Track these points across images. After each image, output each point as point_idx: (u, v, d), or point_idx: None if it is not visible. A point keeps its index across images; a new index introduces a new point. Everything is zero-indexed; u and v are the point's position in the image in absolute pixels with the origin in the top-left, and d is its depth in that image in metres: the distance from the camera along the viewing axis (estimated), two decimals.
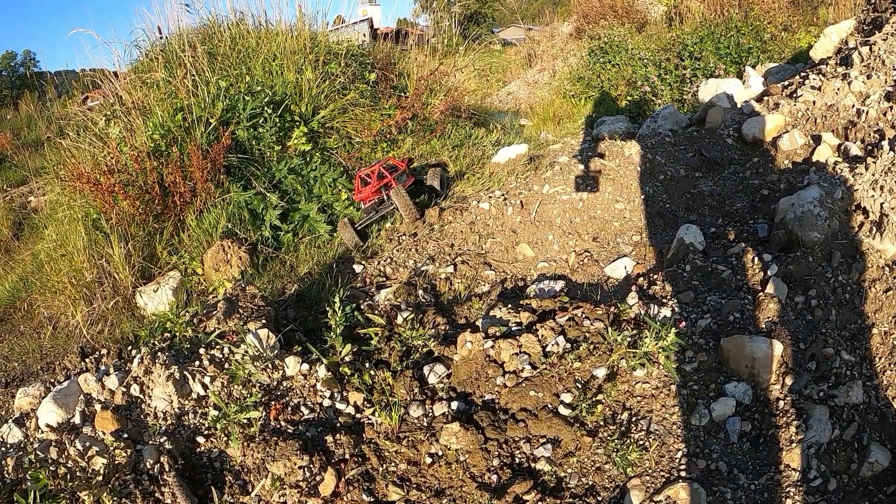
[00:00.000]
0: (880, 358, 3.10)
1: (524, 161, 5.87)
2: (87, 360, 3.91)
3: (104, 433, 3.19)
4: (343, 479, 3.03)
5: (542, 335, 3.38)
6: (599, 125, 8.02)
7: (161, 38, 7.36)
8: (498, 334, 3.46)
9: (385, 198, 5.49)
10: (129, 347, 3.92)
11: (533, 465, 2.96)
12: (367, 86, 7.29)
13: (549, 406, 3.11)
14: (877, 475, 2.67)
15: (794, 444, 2.79)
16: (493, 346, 3.39)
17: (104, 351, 3.92)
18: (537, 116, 10.36)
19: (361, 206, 5.61)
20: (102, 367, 3.61)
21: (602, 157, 5.25)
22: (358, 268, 4.85)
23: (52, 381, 3.66)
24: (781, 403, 2.97)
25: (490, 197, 5.17)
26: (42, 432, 3.24)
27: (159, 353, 3.44)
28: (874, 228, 3.64)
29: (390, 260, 4.86)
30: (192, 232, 5.16)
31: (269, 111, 5.98)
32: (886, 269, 3.44)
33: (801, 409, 2.91)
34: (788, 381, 3.03)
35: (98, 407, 3.30)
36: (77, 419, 3.27)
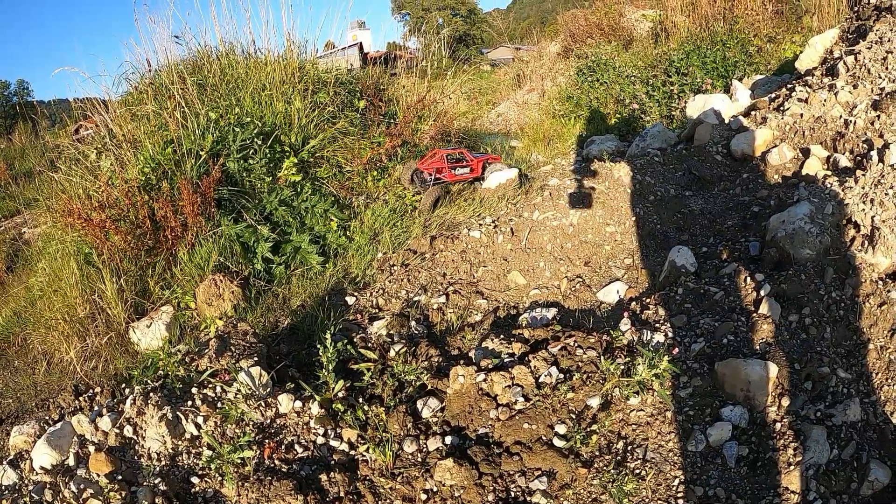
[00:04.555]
0: (877, 373, 3.09)
1: (515, 185, 5.89)
2: (80, 398, 3.89)
3: (98, 475, 3.16)
4: None
5: (535, 366, 3.36)
6: (589, 145, 8.05)
7: (150, 70, 7.37)
8: (490, 367, 3.44)
9: (431, 181, 6.37)
10: (123, 385, 3.90)
11: (528, 498, 2.92)
12: (356, 113, 7.30)
13: (544, 438, 3.08)
14: (877, 493, 2.65)
15: (792, 467, 2.76)
16: (485, 380, 3.36)
17: (98, 389, 3.91)
18: (528, 137, 10.37)
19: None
20: (96, 407, 3.58)
21: (592, 177, 5.25)
22: (350, 299, 4.83)
23: (47, 418, 3.64)
24: (778, 426, 2.95)
25: (481, 224, 5.18)
26: (37, 474, 3.22)
27: (151, 394, 3.40)
28: (866, 242, 3.64)
29: (382, 291, 4.84)
30: (185, 266, 5.13)
31: (259, 142, 5.97)
32: (880, 282, 3.43)
33: (799, 431, 2.88)
34: (785, 402, 3.01)
35: (92, 448, 3.27)
36: (71, 461, 3.24)
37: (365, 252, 5.50)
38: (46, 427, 3.45)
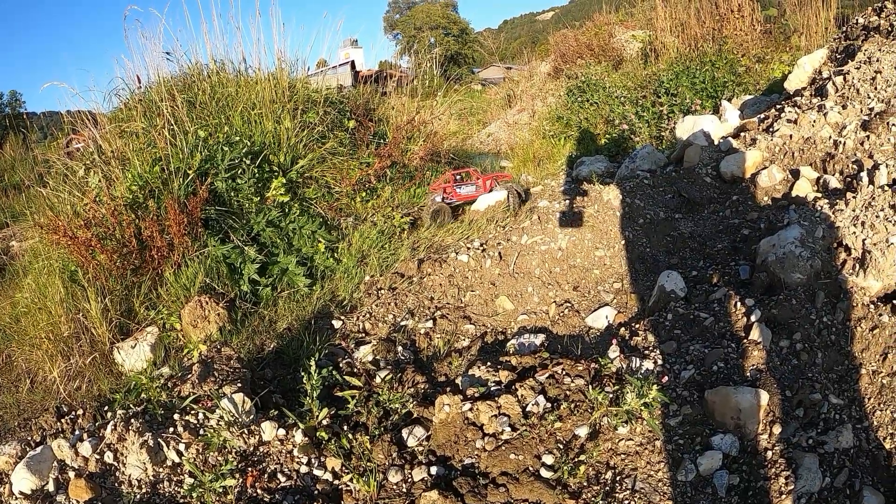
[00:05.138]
0: (869, 398, 3.06)
1: (504, 207, 5.87)
2: (63, 419, 3.82)
3: (78, 502, 3.12)
4: None
5: (522, 395, 3.31)
6: (579, 165, 8.07)
7: (140, 86, 7.33)
8: (477, 395, 3.38)
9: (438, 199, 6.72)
10: (105, 408, 3.83)
11: None
12: (345, 133, 7.29)
13: (531, 469, 3.03)
14: None
15: (784, 496, 2.72)
16: (471, 409, 3.30)
17: (80, 411, 3.84)
18: (518, 158, 10.36)
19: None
20: (77, 431, 3.53)
21: (582, 199, 5.24)
22: (337, 323, 4.78)
23: (29, 439, 3.58)
24: (770, 454, 2.91)
25: (469, 248, 5.15)
26: (16, 499, 3.18)
27: (133, 420, 3.35)
28: (857, 266, 3.61)
29: (369, 315, 4.80)
30: (170, 287, 5.07)
31: (248, 162, 5.93)
32: (871, 306, 3.40)
33: (791, 459, 2.84)
34: (776, 430, 2.97)
35: (72, 474, 3.23)
36: (51, 486, 3.20)
37: (352, 275, 5.46)
38: (28, 448, 3.41)
